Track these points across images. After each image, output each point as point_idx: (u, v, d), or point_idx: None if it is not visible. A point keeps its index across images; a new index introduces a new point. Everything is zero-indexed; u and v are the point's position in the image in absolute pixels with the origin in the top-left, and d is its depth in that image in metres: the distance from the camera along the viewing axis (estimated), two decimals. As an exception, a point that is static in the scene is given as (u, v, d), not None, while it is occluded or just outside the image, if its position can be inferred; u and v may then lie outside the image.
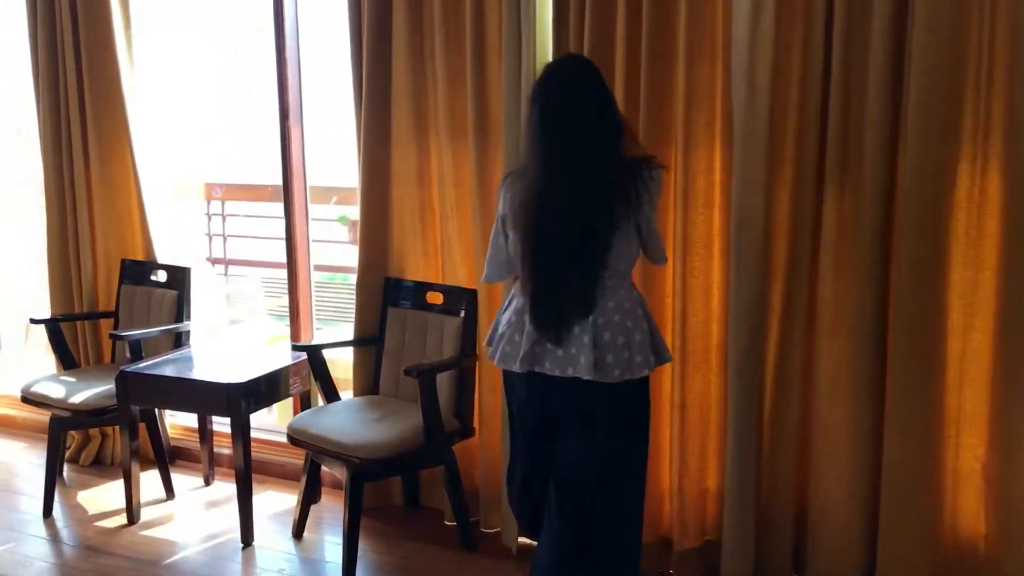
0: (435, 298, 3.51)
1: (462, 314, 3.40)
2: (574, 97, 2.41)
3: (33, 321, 4.13)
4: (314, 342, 3.70)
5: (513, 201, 2.49)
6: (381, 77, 3.44)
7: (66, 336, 4.14)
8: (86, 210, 4.12)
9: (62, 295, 4.25)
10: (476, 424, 3.44)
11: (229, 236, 5.93)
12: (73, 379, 3.88)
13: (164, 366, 3.62)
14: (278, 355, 3.82)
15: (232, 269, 6.06)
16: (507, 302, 2.60)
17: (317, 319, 4.14)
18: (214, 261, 6.12)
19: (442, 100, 3.33)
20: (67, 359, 4.09)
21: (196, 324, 4.04)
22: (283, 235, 3.96)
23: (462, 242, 3.40)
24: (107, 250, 4.15)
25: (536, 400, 2.52)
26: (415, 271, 3.55)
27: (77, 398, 3.69)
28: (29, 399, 3.80)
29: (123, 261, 4.14)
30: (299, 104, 3.87)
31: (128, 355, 3.72)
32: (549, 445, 2.55)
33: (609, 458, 2.47)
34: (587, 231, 2.37)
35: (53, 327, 4.03)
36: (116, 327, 4.11)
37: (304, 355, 3.59)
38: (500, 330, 2.56)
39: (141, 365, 3.61)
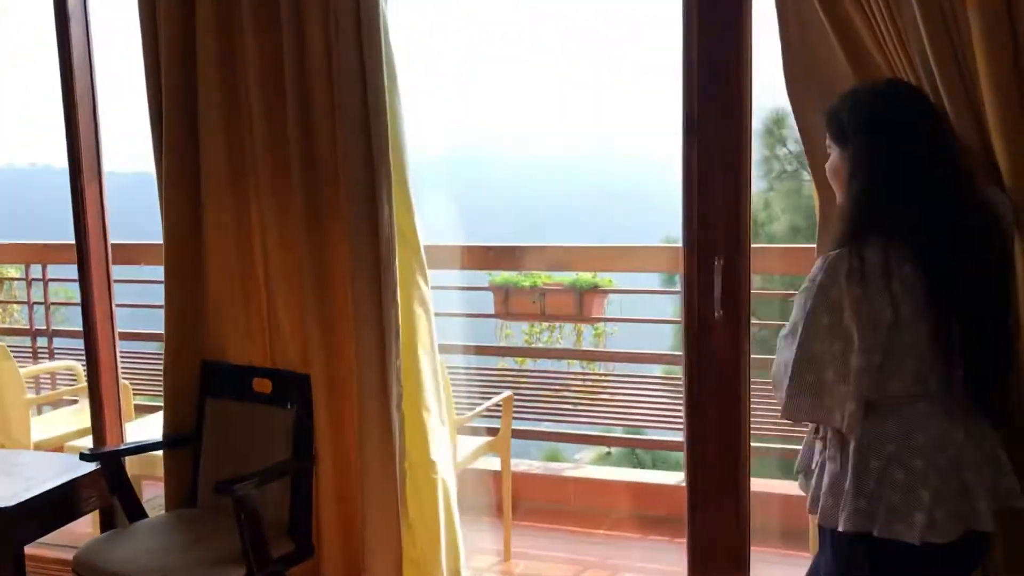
0: (262, 386, 2.85)
1: (294, 406, 2.75)
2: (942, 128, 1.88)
3: None
4: (109, 448, 2.98)
5: (888, 282, 1.74)
6: (184, 116, 2.79)
7: None
8: None
9: None
10: (316, 542, 2.78)
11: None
12: None
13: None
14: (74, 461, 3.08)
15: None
16: (865, 440, 1.79)
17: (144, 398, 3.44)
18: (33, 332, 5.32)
19: (260, 140, 2.71)
20: None
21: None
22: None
23: (291, 316, 2.76)
24: None
25: None
26: (237, 353, 2.89)
27: None
28: None
29: None
30: (95, 155, 3.18)
31: None
32: None
33: None
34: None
35: None
36: None
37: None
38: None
39: None
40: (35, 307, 5.50)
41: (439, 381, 2.78)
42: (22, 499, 2.69)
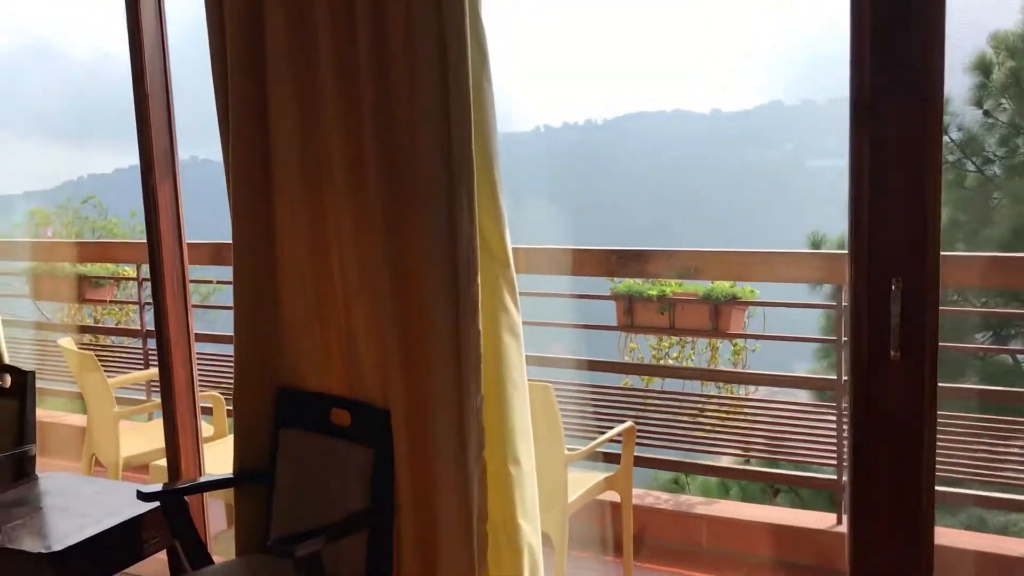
0: (341, 417, 2.47)
1: (374, 444, 2.36)
2: None
3: None
4: (167, 486, 2.63)
5: None
6: (253, 107, 2.44)
7: None
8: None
9: None
10: (396, 603, 2.38)
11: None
12: None
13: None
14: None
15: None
16: None
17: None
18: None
19: (336, 140, 2.32)
20: None
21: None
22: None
23: (370, 341, 2.36)
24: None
25: None
26: (315, 379, 2.52)
27: None
28: None
29: (-38, 361, 3.17)
30: (169, 152, 2.88)
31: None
32: None
33: None
34: None
35: None
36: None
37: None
38: None
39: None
40: (147, 308, 5.37)
41: (529, 425, 2.33)
42: (73, 542, 2.40)
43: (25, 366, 3.05)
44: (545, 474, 2.63)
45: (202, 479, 2.80)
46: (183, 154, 2.92)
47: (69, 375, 4.79)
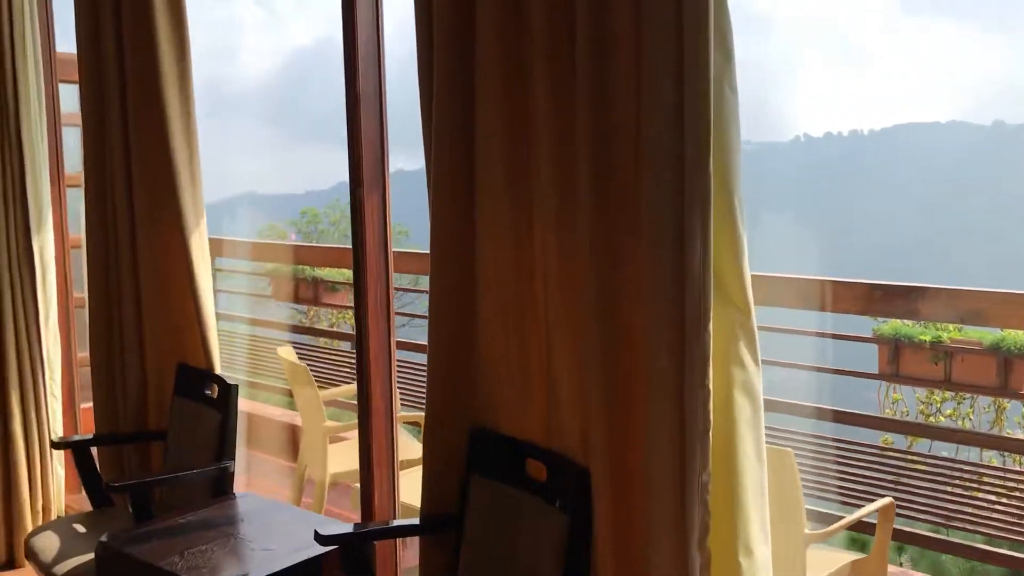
0: (537, 469, 2.14)
1: (570, 507, 2.01)
2: None
3: (55, 445, 3.23)
4: (346, 529, 2.40)
5: None
6: (458, 120, 2.16)
7: (108, 461, 3.20)
8: (132, 297, 3.16)
9: (107, 408, 3.31)
10: None
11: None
12: (84, 528, 2.90)
13: (156, 540, 2.50)
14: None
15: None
16: None
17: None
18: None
19: (545, 154, 2.00)
20: (98, 495, 3.12)
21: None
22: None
23: (572, 383, 2.01)
24: (160, 350, 3.17)
25: None
26: (511, 421, 2.21)
27: (64, 566, 2.68)
28: (29, 554, 2.86)
29: (179, 366, 3.14)
30: (379, 165, 2.68)
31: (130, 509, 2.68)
32: None
33: None
34: None
35: (81, 452, 3.09)
36: (165, 454, 3.11)
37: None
38: None
39: (140, 531, 2.54)
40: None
41: (766, 505, 1.88)
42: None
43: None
44: (779, 557, 2.16)
45: (391, 523, 2.57)
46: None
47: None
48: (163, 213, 3.04)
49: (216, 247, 6.00)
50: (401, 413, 3.93)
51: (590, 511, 1.96)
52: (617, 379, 1.88)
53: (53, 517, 3.79)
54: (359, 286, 2.70)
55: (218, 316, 5.96)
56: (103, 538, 2.45)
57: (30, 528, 3.69)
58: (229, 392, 2.88)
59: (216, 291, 6.11)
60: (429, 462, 2.33)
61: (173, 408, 3.10)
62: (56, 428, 3.79)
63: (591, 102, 1.86)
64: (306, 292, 5.73)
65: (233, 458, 2.86)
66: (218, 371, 3.02)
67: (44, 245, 3.71)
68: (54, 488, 3.79)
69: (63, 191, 3.89)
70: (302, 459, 3.73)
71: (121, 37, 3.05)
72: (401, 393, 4.07)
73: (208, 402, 2.95)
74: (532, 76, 2.01)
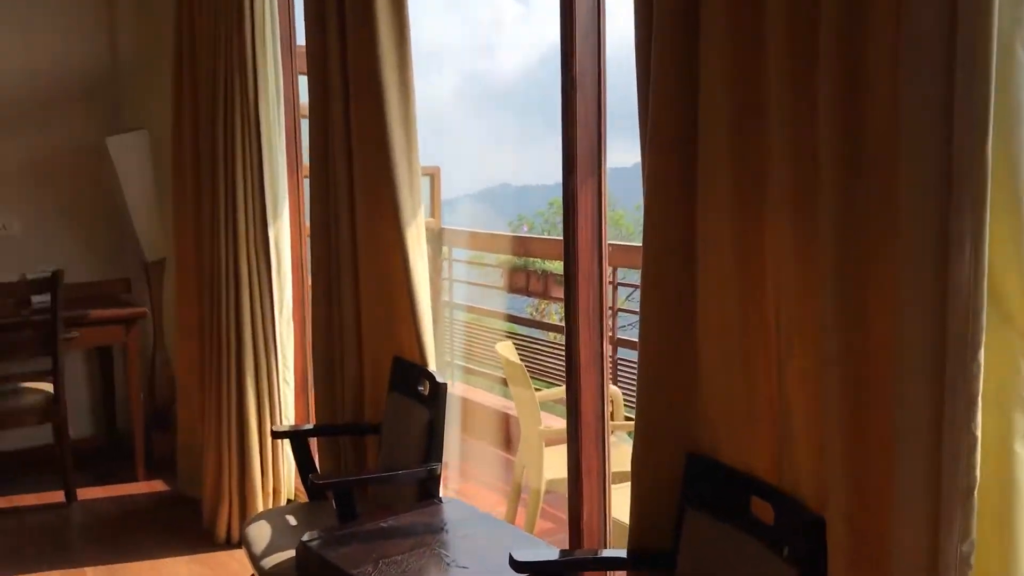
0: (762, 509, 1.84)
1: (798, 561, 1.69)
2: None
3: (275, 434, 3.26)
4: (545, 555, 2.18)
5: None
6: (678, 97, 1.88)
7: (327, 452, 3.20)
8: (351, 289, 3.13)
9: (326, 399, 3.31)
10: None
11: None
12: (296, 521, 2.89)
13: (354, 544, 2.41)
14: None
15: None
16: None
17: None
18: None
19: (779, 140, 1.68)
20: (313, 487, 3.11)
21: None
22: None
23: (808, 417, 1.69)
24: (377, 342, 3.12)
25: None
26: (733, 449, 1.90)
27: (272, 559, 2.67)
28: (244, 542, 2.89)
29: (394, 359, 3.07)
30: (594, 152, 2.45)
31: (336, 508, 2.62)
32: None
33: None
34: None
35: (298, 442, 3.09)
36: (379, 449, 3.06)
37: None
38: None
39: (341, 532, 2.47)
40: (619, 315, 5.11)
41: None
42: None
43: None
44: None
45: (596, 554, 2.34)
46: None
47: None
48: (381, 205, 2.97)
49: (451, 238, 6.02)
50: (622, 421, 3.69)
51: (823, 569, 1.63)
52: (861, 414, 1.54)
53: (283, 501, 3.89)
54: (569, 283, 2.49)
55: (450, 305, 6.00)
56: (304, 537, 2.39)
57: (260, 509, 3.80)
58: (438, 390, 2.76)
59: (452, 280, 6.14)
60: (638, 489, 2.07)
61: (389, 402, 3.04)
62: (288, 414, 3.88)
63: (838, 82, 1.53)
64: (536, 285, 5.62)
65: (440, 460, 2.74)
66: (431, 367, 2.92)
67: (280, 235, 3.80)
68: (284, 472, 3.88)
69: (300, 182, 3.96)
70: (519, 461, 3.58)
71: (344, 28, 3.01)
72: (626, 397, 3.82)
73: (420, 399, 2.85)
74: (765, 55, 1.70)
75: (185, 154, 4.09)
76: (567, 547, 2.54)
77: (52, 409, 4.35)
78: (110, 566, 3.75)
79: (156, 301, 4.85)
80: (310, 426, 3.44)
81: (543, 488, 3.36)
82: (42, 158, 4.82)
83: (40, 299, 4.31)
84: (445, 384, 2.77)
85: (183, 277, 4.23)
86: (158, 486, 4.65)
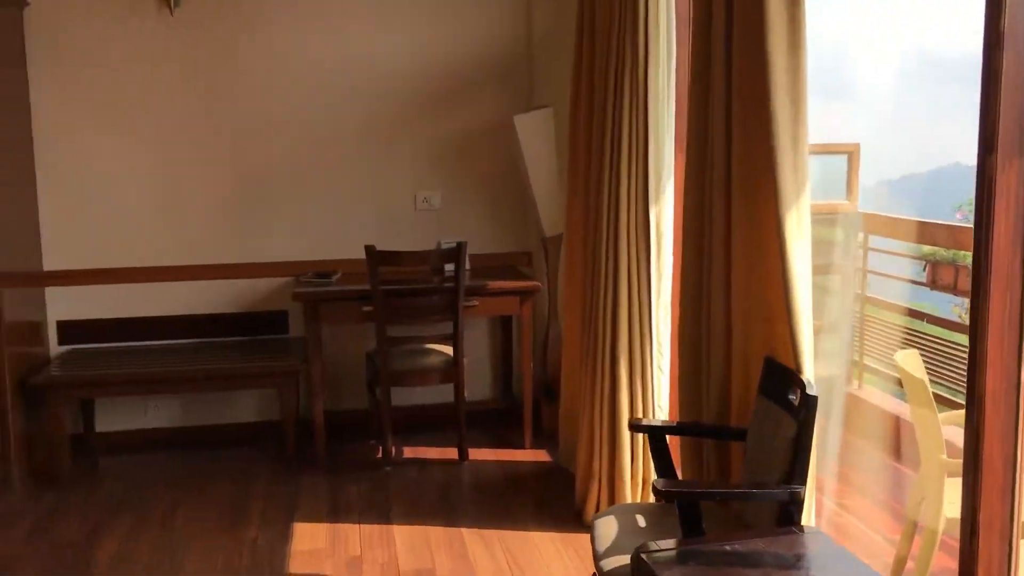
0: None
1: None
2: None
3: (632, 427, 3.05)
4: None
5: None
6: None
7: (689, 452, 2.97)
8: (722, 279, 2.83)
9: (690, 396, 3.05)
10: None
11: None
12: (644, 523, 2.70)
13: (690, 565, 2.14)
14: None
15: None
16: None
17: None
18: None
19: None
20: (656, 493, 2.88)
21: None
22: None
23: None
24: (747, 340, 2.80)
25: None
26: None
27: (612, 561, 2.50)
28: (592, 535, 2.76)
29: (766, 360, 2.73)
30: (1021, 128, 1.91)
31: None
32: None
33: None
34: None
35: (656, 439, 2.88)
36: (744, 458, 2.76)
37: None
38: None
39: (680, 549, 2.23)
40: None
41: None
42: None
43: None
44: None
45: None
46: None
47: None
48: (760, 184, 2.64)
49: (870, 223, 5.38)
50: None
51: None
52: None
53: (652, 495, 3.72)
54: (977, 288, 2.00)
55: (865, 299, 5.37)
56: (639, 547, 2.19)
57: (628, 499, 3.68)
58: (808, 403, 2.39)
59: (867, 271, 5.52)
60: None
61: (757, 406, 2.72)
62: (662, 404, 3.70)
63: None
64: (965, 283, 4.80)
65: (804, 483, 2.38)
66: (806, 374, 2.55)
67: (661, 215, 3.60)
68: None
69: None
70: (915, 492, 3.05)
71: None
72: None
73: (789, 408, 2.51)
74: None
75: (579, 130, 4.05)
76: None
77: (451, 371, 4.60)
78: (483, 530, 3.86)
79: (552, 276, 4.93)
80: (669, 422, 3.21)
81: (940, 528, 2.82)
82: (460, 137, 5.10)
83: (450, 267, 4.57)
84: (815, 397, 2.39)
85: (570, 255, 4.22)
86: (541, 455, 4.73)
